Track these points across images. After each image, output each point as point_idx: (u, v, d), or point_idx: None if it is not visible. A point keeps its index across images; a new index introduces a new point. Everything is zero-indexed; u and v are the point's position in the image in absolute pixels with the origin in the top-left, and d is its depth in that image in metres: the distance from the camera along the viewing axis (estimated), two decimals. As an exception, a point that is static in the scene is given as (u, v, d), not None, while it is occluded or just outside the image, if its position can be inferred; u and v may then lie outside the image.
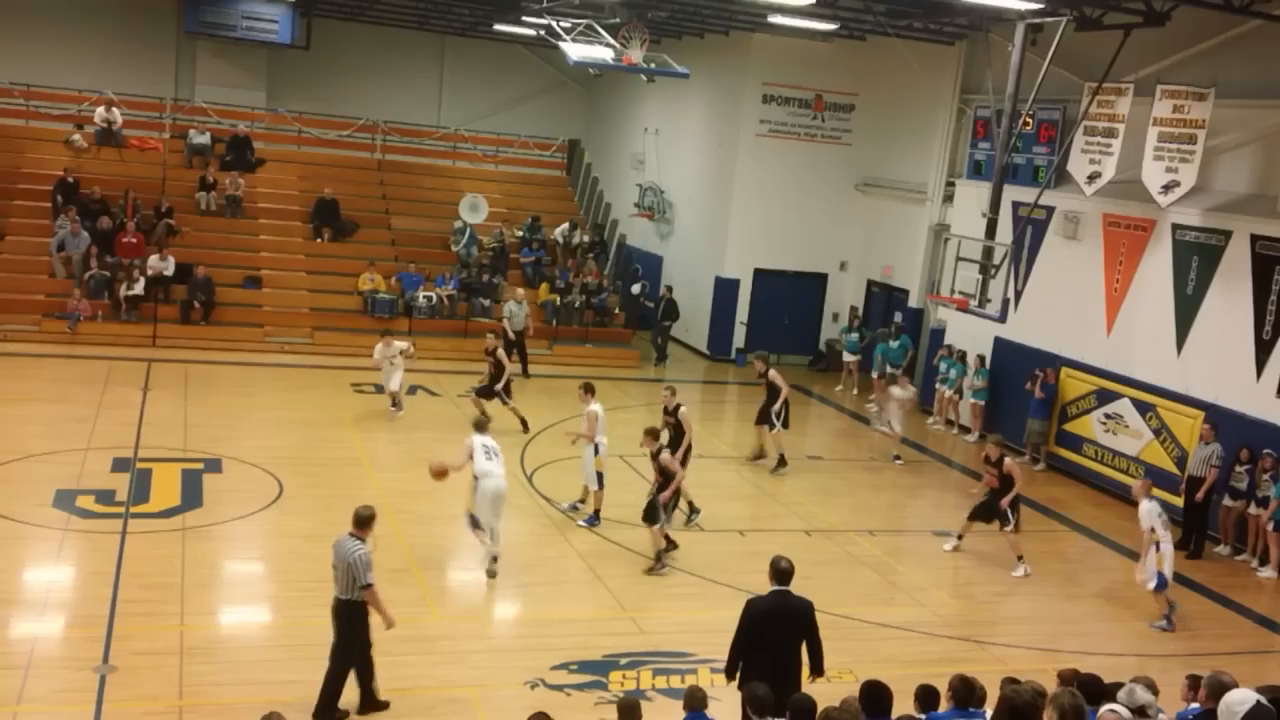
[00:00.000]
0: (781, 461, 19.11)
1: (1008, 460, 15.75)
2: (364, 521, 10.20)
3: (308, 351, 24.67)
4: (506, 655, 11.88)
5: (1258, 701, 6.96)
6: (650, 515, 14.26)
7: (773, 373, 19.01)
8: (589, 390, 16.12)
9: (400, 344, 20.61)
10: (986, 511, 15.76)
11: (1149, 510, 13.92)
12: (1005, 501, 15.40)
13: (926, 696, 8.02)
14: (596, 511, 15.77)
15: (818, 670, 9.24)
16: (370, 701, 10.25)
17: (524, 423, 19.87)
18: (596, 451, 15.62)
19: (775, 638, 9.23)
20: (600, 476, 15.68)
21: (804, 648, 9.31)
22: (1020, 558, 15.52)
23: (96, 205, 25.76)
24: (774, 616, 9.29)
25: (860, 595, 14.18)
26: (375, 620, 10.10)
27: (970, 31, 22.94)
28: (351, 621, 9.99)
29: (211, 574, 13.10)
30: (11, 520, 13.88)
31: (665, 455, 14.42)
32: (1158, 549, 13.80)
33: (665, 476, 14.26)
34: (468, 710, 10.57)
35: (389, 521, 14.97)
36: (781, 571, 9.46)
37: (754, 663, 9.21)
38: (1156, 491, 18.58)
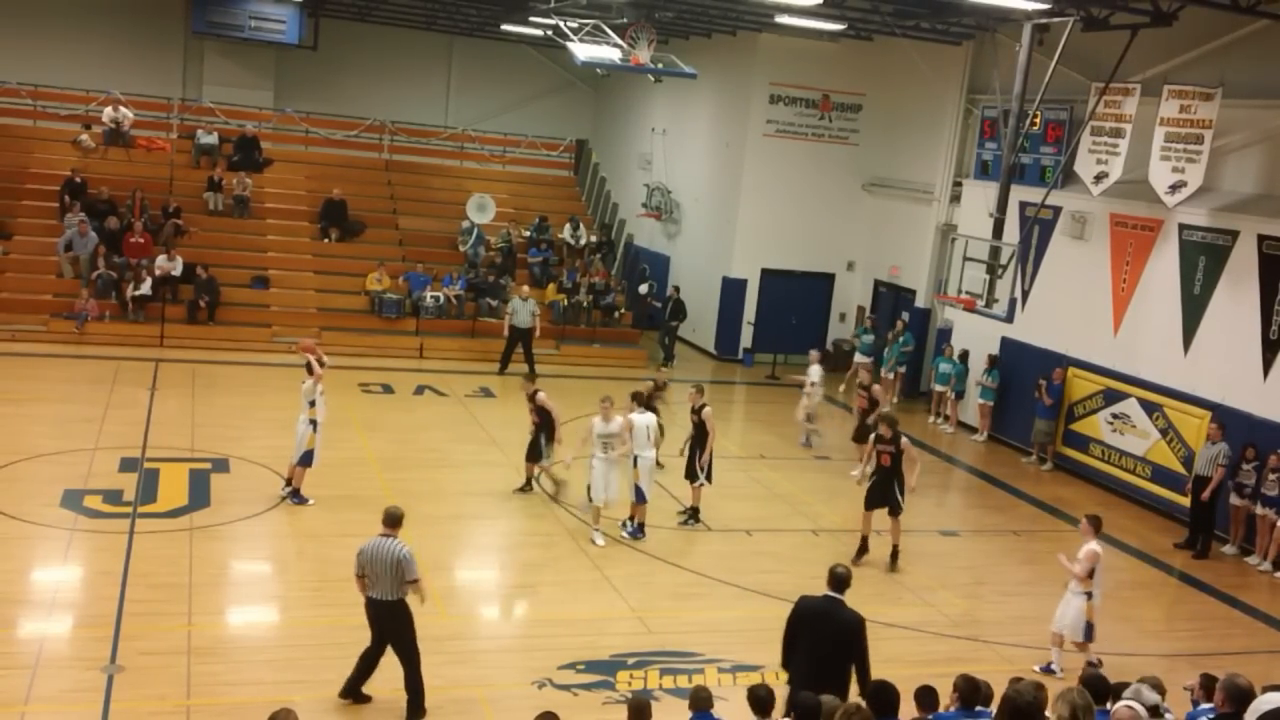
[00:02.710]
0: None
1: (708, 409, 16.02)
2: (396, 520, 10.31)
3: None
4: (514, 655, 11.89)
5: None
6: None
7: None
8: (637, 399, 15.78)
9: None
10: (881, 497, 15.04)
11: (1092, 553, 12.24)
12: (912, 479, 15.15)
13: (926, 698, 8.01)
14: (640, 524, 15.46)
15: (861, 689, 8.79)
16: (355, 691, 10.35)
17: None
18: (635, 464, 15.14)
19: (812, 639, 9.13)
20: (640, 490, 15.31)
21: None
22: (895, 552, 15.14)
23: (104, 205, 25.81)
24: (817, 620, 9.17)
25: (867, 595, 14.11)
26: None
27: (977, 31, 22.91)
28: (401, 621, 10.16)
29: (219, 574, 13.13)
30: (19, 520, 13.92)
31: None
32: (1089, 598, 12.21)
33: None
34: (475, 710, 10.58)
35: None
36: (836, 577, 9.35)
37: (793, 664, 9.21)
38: (1163, 491, 18.70)
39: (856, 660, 8.99)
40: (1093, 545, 12.27)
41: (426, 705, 10.18)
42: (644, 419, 15.09)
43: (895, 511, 14.99)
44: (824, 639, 9.07)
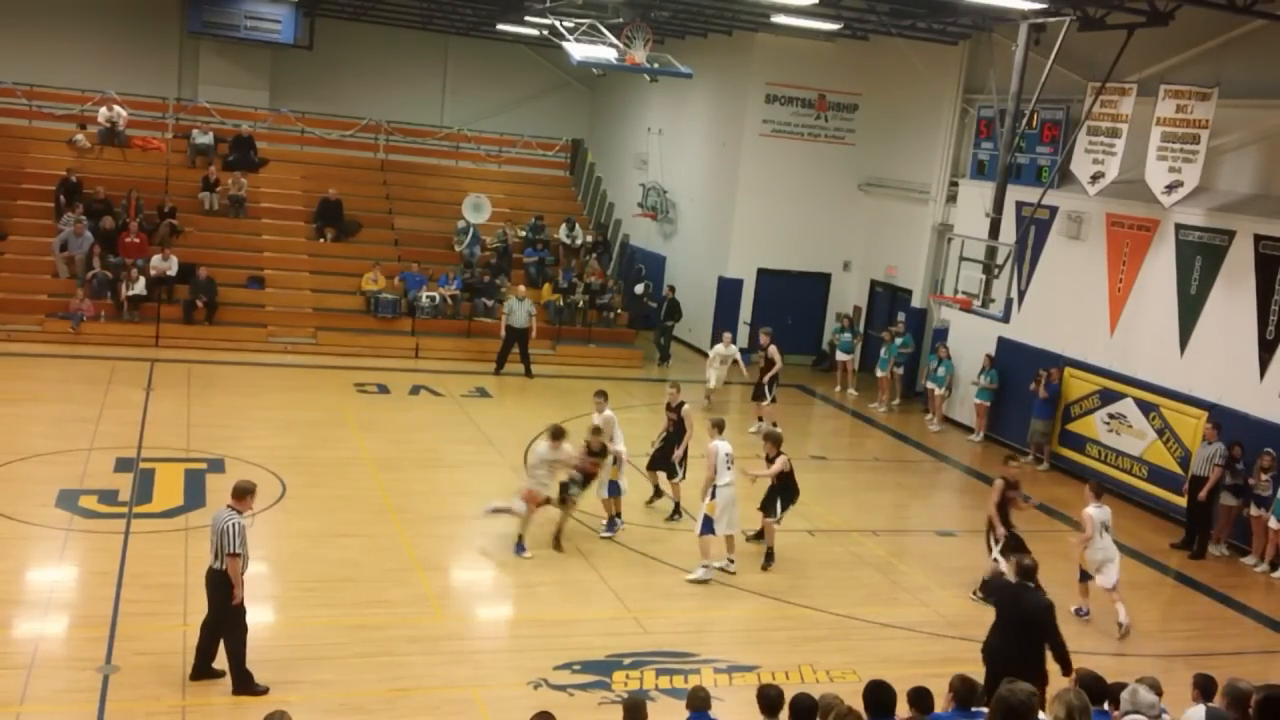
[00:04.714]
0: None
1: (686, 406, 16.38)
2: (240, 492, 10.42)
3: (311, 352, 24.67)
4: (509, 655, 11.88)
5: None
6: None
7: (773, 348, 21.20)
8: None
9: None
10: (661, 460, 16.38)
11: (1086, 516, 13.76)
12: (677, 453, 16.13)
13: (920, 699, 7.99)
14: (612, 516, 15.61)
15: (1065, 669, 9.65)
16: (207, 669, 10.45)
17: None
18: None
19: (1009, 626, 9.96)
20: (614, 485, 15.42)
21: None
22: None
23: (100, 205, 25.77)
24: (1007, 601, 10.19)
25: (864, 595, 14.18)
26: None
27: (973, 31, 22.93)
28: (220, 591, 10.21)
29: (215, 574, 13.09)
30: (15, 520, 13.89)
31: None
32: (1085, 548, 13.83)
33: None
34: (471, 710, 10.57)
35: (392, 521, 15.03)
36: (1025, 569, 10.34)
37: (990, 645, 9.98)
38: (1159, 491, 18.73)
39: (1051, 642, 9.84)
40: (1087, 509, 13.78)
41: (258, 686, 10.26)
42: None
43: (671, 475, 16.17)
44: (1014, 622, 9.91)
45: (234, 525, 10.11)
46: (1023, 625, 9.91)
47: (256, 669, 10.51)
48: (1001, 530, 14.15)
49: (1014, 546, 13.79)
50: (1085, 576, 14.07)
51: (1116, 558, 13.83)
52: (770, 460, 14.72)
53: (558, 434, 14.61)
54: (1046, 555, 16.20)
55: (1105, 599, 13.86)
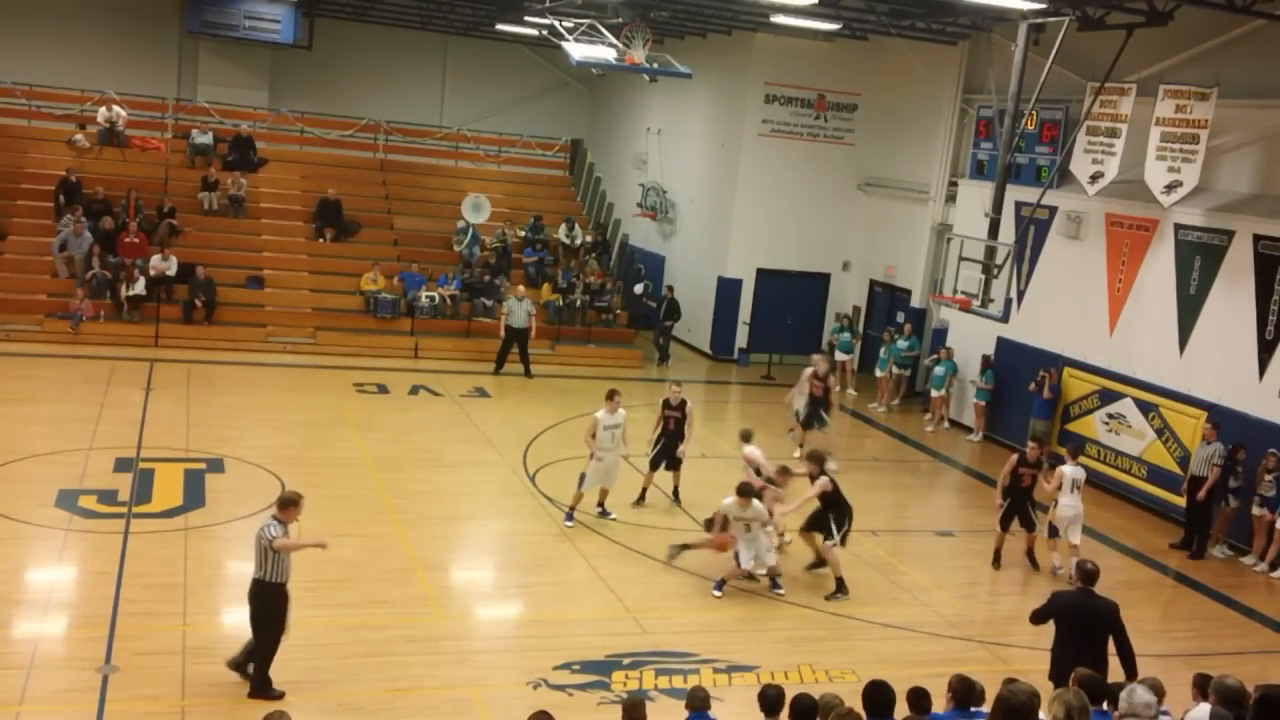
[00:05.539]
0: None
1: (689, 405, 16.86)
2: (285, 504, 10.39)
3: (310, 351, 24.67)
4: (509, 655, 11.87)
5: None
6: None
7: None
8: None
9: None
10: (663, 458, 16.86)
11: (1058, 472, 15.33)
12: (682, 449, 16.70)
13: (918, 699, 7.99)
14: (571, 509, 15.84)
15: (1130, 672, 9.64)
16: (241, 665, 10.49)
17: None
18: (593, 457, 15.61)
19: (1078, 632, 9.94)
20: (583, 477, 15.70)
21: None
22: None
23: (99, 205, 25.77)
24: (1075, 613, 10.07)
25: (863, 595, 14.18)
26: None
27: (973, 31, 22.92)
28: (254, 601, 10.27)
29: (214, 574, 13.10)
30: (14, 520, 13.89)
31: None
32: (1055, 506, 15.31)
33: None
34: (470, 710, 10.57)
35: (391, 522, 15.04)
36: (1087, 573, 10.21)
37: (1060, 655, 9.93)
38: (1159, 491, 18.74)
39: (1119, 641, 9.88)
40: (1061, 466, 15.28)
41: (275, 690, 10.27)
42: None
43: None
44: (1085, 628, 9.94)
45: (260, 532, 10.16)
46: (1091, 629, 9.91)
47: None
48: (999, 500, 15.68)
49: (1010, 517, 15.58)
50: (1055, 533, 15.45)
51: (1082, 516, 15.42)
52: (813, 479, 14.39)
53: (746, 491, 13.67)
54: (1043, 555, 16.33)
55: (1069, 556, 14.96)
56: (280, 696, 10.15)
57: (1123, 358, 19.88)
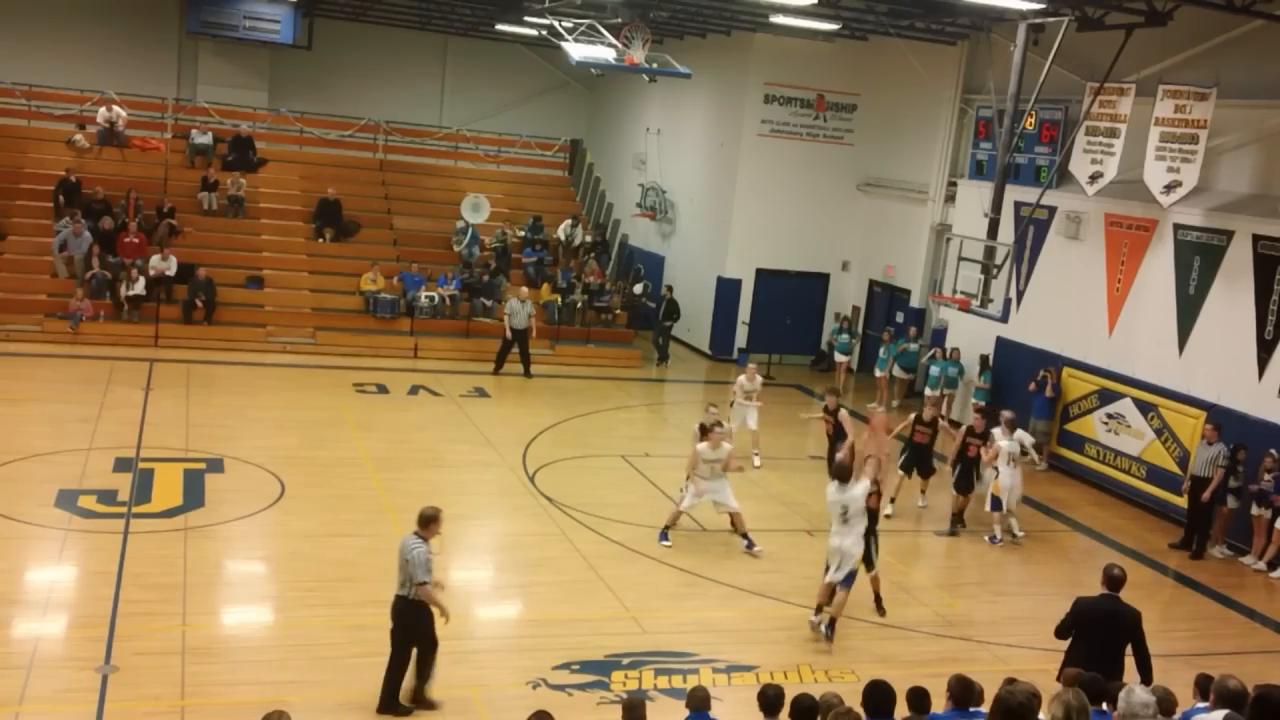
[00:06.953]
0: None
1: (843, 411, 17.80)
2: (426, 521, 10.36)
3: (310, 351, 24.67)
4: (508, 655, 11.87)
5: None
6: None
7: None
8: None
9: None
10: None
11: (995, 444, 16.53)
12: (841, 455, 16.61)
13: (917, 699, 7.99)
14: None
15: (1147, 680, 9.52)
16: (419, 696, 10.35)
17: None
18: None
19: (1098, 637, 9.88)
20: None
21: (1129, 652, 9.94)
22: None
23: (99, 205, 25.77)
24: (1099, 617, 9.96)
25: (863, 595, 14.15)
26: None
27: (972, 31, 22.93)
28: (398, 619, 10.19)
29: (214, 574, 13.10)
30: (14, 520, 13.89)
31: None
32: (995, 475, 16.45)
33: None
34: (469, 709, 10.56)
35: (391, 521, 15.01)
36: (1113, 579, 10.07)
37: (1076, 657, 9.81)
38: (1158, 491, 18.75)
39: (1138, 649, 9.85)
40: (999, 441, 16.50)
41: (403, 706, 10.21)
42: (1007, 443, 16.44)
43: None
44: (1107, 634, 9.87)
45: (418, 554, 10.06)
46: (1113, 635, 9.87)
47: (254, 669, 10.53)
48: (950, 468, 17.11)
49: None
50: (996, 505, 16.41)
51: (1019, 488, 16.69)
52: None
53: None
54: (1048, 555, 16.37)
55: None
56: (409, 713, 10.18)
57: (1122, 358, 19.88)
